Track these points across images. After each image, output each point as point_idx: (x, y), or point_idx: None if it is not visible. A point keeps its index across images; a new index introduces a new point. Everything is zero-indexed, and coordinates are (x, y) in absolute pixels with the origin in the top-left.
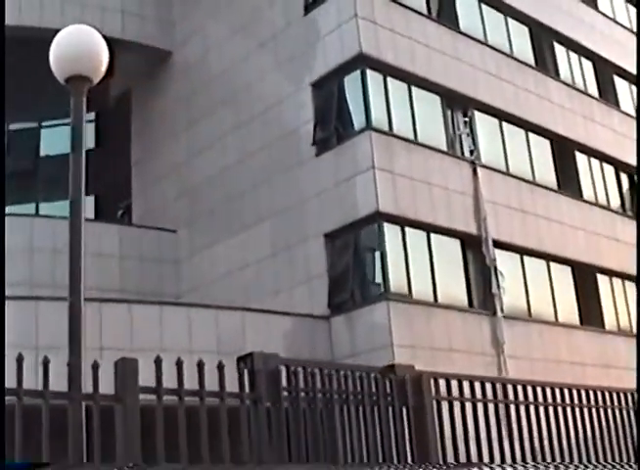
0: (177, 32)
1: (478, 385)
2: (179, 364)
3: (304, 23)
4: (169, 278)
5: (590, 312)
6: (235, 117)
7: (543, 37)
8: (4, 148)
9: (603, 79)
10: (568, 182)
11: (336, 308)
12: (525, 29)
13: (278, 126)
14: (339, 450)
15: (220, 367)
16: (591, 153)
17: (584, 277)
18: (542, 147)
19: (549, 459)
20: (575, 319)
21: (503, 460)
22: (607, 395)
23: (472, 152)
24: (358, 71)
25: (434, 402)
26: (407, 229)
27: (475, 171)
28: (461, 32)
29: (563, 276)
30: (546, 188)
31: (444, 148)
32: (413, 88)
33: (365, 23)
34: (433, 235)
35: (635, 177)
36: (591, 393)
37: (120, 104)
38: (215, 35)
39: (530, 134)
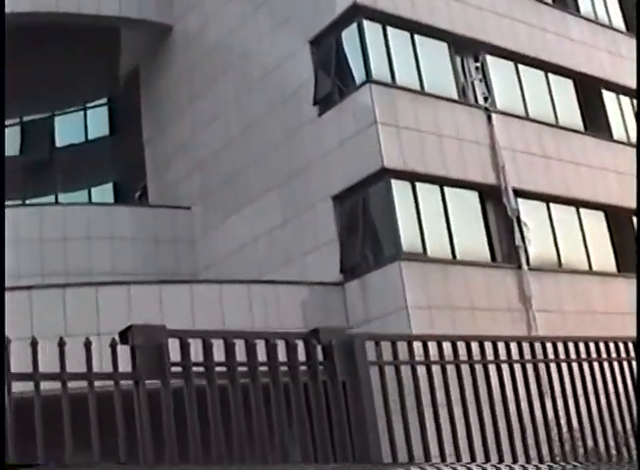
0: (176, 5)
1: (432, 345)
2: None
3: None
4: (185, 257)
5: (627, 259)
6: (236, 87)
7: None
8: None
9: (628, 11)
10: (595, 123)
11: (349, 274)
12: None
13: (279, 90)
14: (244, 443)
15: (87, 345)
16: (620, 90)
17: (619, 222)
18: (564, 88)
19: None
20: (612, 267)
21: (473, 457)
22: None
23: (486, 99)
24: (355, 24)
25: (377, 370)
26: (418, 184)
27: (489, 119)
28: None
29: (595, 222)
30: (571, 130)
31: (455, 97)
32: (416, 37)
33: None
34: (446, 189)
35: None
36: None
37: (129, 85)
38: (212, 4)
39: (550, 75)
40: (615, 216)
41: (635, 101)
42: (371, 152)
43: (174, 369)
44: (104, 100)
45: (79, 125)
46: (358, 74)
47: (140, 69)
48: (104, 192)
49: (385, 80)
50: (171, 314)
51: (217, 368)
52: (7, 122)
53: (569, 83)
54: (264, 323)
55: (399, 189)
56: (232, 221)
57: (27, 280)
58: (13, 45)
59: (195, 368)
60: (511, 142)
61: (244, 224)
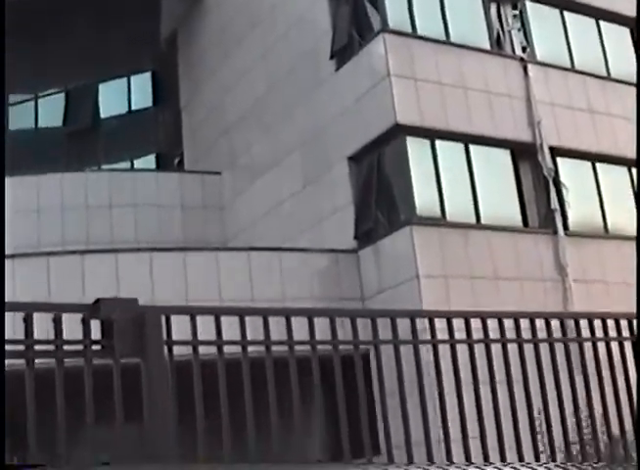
0: None
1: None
2: None
3: None
4: (214, 223)
5: None
6: (262, 44)
7: None
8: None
9: None
10: None
11: (363, 240)
12: None
13: (301, 44)
14: None
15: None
16: None
17: None
18: (619, 37)
19: None
20: None
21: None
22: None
23: (524, 49)
24: None
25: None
26: (438, 142)
27: (525, 70)
28: None
29: None
30: (624, 83)
31: (487, 47)
32: None
33: None
34: (472, 146)
35: None
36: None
37: (169, 51)
38: None
39: (602, 23)
40: None
41: None
42: (384, 107)
43: None
44: (147, 67)
45: (123, 94)
46: (375, 24)
47: (178, 33)
48: (147, 163)
49: (403, 29)
50: (163, 283)
51: None
52: (51, 90)
53: (624, 32)
54: (263, 294)
55: (416, 147)
56: (257, 186)
57: (48, 248)
58: (57, 10)
59: None
60: (550, 96)
61: (268, 189)
